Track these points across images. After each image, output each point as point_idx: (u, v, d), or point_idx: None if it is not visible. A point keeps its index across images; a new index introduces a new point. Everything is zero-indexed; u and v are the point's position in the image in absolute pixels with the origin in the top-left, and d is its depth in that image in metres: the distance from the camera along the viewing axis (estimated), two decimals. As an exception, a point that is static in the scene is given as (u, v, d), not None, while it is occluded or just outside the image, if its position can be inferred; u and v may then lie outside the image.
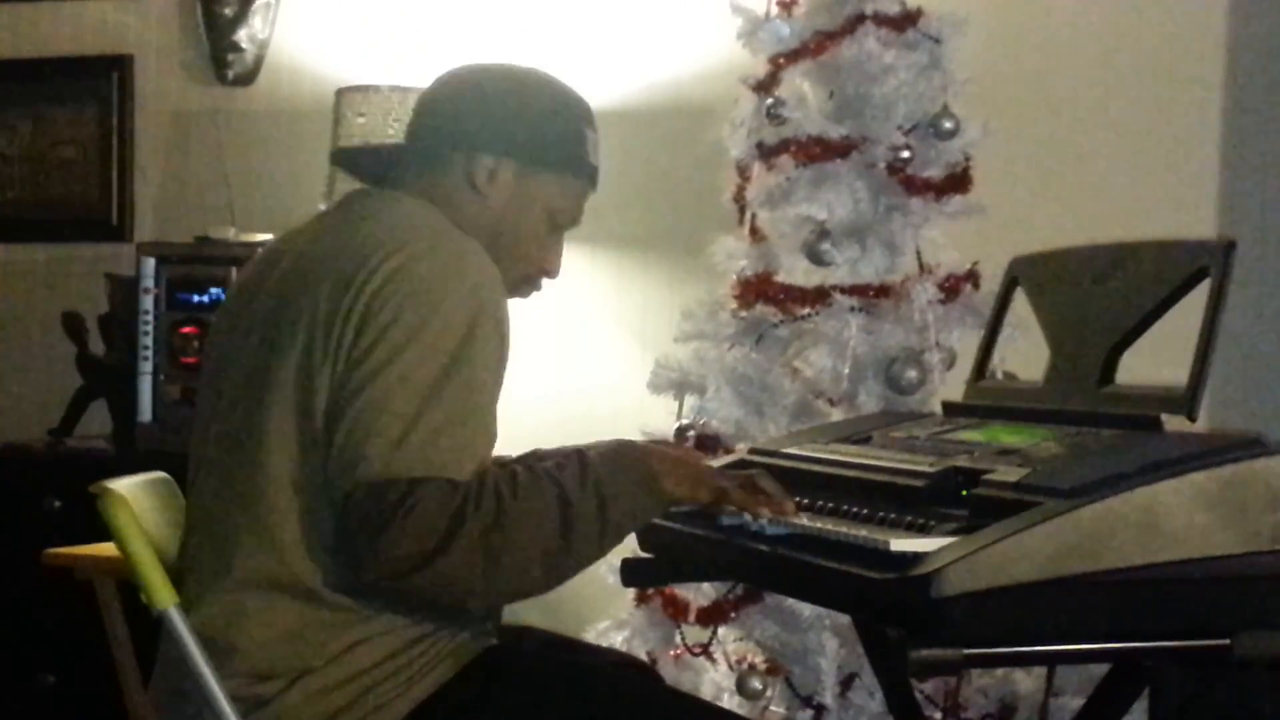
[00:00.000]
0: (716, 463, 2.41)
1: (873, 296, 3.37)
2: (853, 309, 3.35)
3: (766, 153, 3.47)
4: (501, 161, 2.17)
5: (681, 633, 3.44)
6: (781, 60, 3.51)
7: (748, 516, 2.08)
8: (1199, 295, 2.12)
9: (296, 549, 2.00)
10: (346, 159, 2.36)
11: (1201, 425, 2.07)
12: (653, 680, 2.35)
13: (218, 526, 2.06)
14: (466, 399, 1.95)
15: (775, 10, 3.53)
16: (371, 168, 2.29)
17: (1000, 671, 3.26)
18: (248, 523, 2.02)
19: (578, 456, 2.03)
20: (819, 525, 1.98)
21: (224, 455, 2.07)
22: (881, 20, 3.40)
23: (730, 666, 3.41)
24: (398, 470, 1.89)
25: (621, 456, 2.05)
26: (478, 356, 1.97)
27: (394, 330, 1.94)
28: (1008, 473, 1.94)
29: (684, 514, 2.21)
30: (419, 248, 2.01)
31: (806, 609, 3.21)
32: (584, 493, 1.98)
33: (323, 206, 4.22)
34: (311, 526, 1.99)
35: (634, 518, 2.05)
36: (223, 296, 4.18)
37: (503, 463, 2.06)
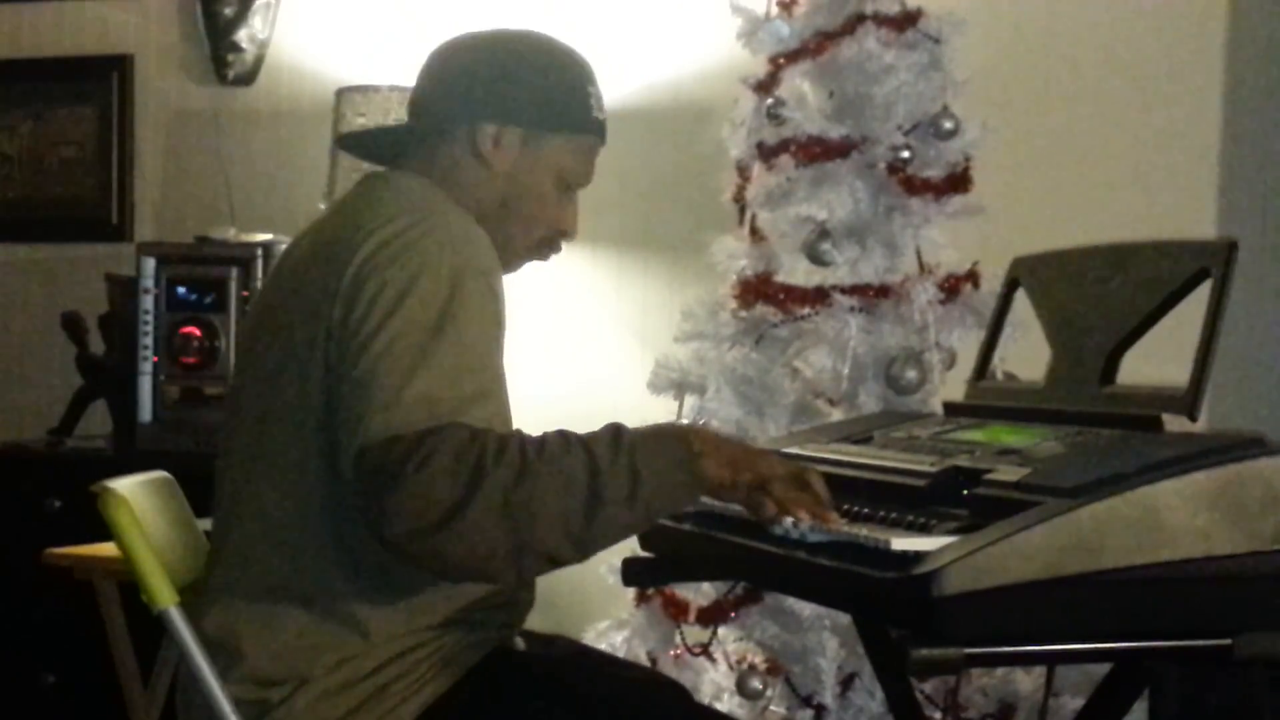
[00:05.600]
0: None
1: (873, 296, 3.37)
2: (853, 309, 3.35)
3: (766, 153, 3.47)
4: (506, 127, 2.15)
5: (681, 633, 3.44)
6: (781, 60, 3.51)
7: (787, 520, 1.96)
8: (1200, 295, 2.12)
9: (305, 554, 1.99)
10: (352, 143, 2.34)
11: (1202, 425, 2.07)
12: (684, 698, 2.27)
13: (235, 532, 2.06)
14: (462, 353, 1.90)
15: (775, 10, 3.54)
16: (378, 150, 2.28)
17: (1000, 671, 3.26)
18: (260, 528, 2.02)
19: (613, 428, 1.94)
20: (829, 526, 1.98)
21: (240, 460, 2.07)
22: (881, 20, 3.40)
23: (730, 666, 3.41)
24: (400, 425, 1.83)
25: (660, 434, 1.96)
26: (468, 312, 1.92)
27: (379, 301, 1.91)
28: (1008, 472, 1.93)
29: (685, 513, 2.20)
30: (400, 223, 1.98)
31: (806, 609, 3.21)
32: (615, 464, 1.89)
33: (323, 206, 4.22)
34: (319, 530, 1.98)
35: (668, 498, 1.94)
36: (222, 296, 4.19)
37: None
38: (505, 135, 2.15)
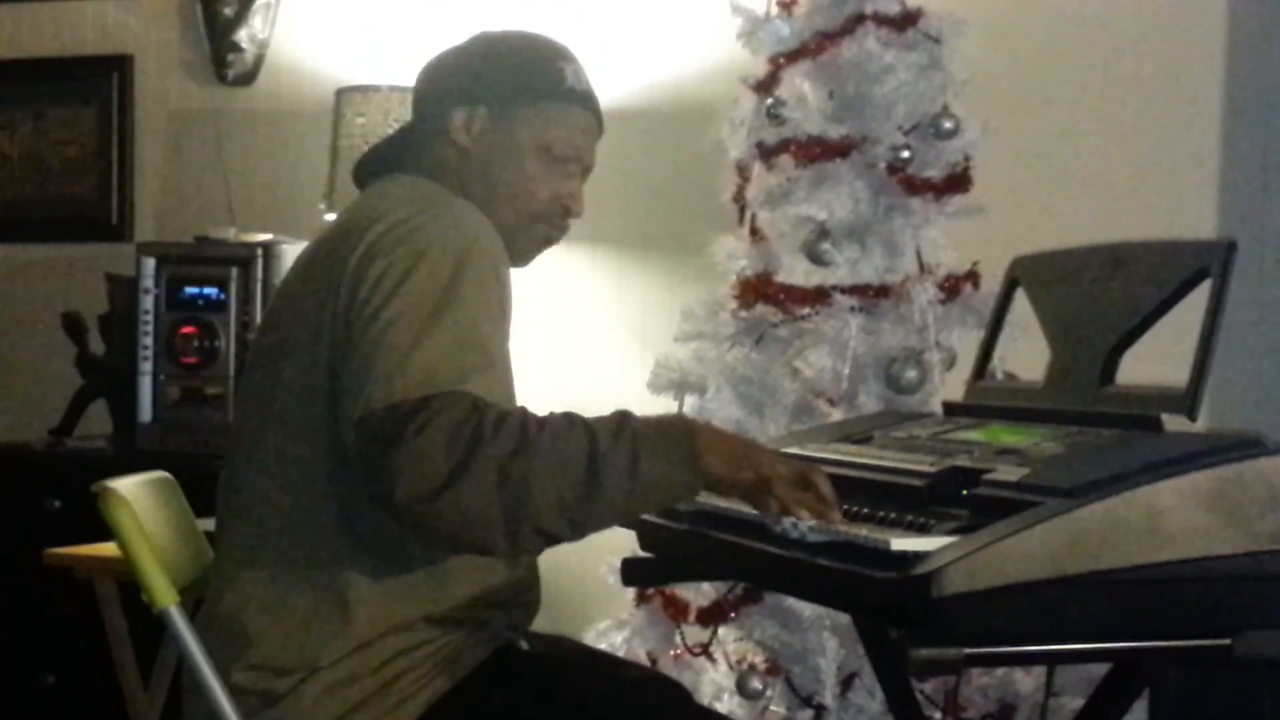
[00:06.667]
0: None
1: (873, 296, 3.37)
2: (853, 309, 3.35)
3: (766, 153, 3.47)
4: (474, 110, 2.20)
5: (681, 633, 3.44)
6: (781, 60, 3.51)
7: (785, 520, 1.95)
8: (1199, 295, 2.12)
9: (312, 536, 2.01)
10: (363, 168, 2.33)
11: (1201, 425, 2.07)
12: (685, 698, 2.28)
13: (243, 517, 2.09)
14: (464, 328, 1.91)
15: (775, 10, 3.54)
16: (384, 161, 2.29)
17: (1000, 671, 3.26)
18: (267, 512, 2.04)
19: (620, 414, 1.94)
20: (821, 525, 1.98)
21: (246, 445, 2.10)
22: (881, 20, 3.40)
23: (730, 666, 3.41)
24: (401, 393, 1.85)
25: (665, 424, 1.96)
26: (472, 290, 1.94)
27: (385, 279, 1.94)
28: (1008, 472, 1.93)
29: (685, 513, 2.20)
30: (407, 209, 2.03)
31: (806, 609, 3.21)
32: (616, 445, 1.89)
33: (323, 206, 4.23)
34: (325, 512, 2.00)
35: (667, 490, 1.95)
36: (222, 296, 4.19)
37: None
38: (475, 117, 2.20)
